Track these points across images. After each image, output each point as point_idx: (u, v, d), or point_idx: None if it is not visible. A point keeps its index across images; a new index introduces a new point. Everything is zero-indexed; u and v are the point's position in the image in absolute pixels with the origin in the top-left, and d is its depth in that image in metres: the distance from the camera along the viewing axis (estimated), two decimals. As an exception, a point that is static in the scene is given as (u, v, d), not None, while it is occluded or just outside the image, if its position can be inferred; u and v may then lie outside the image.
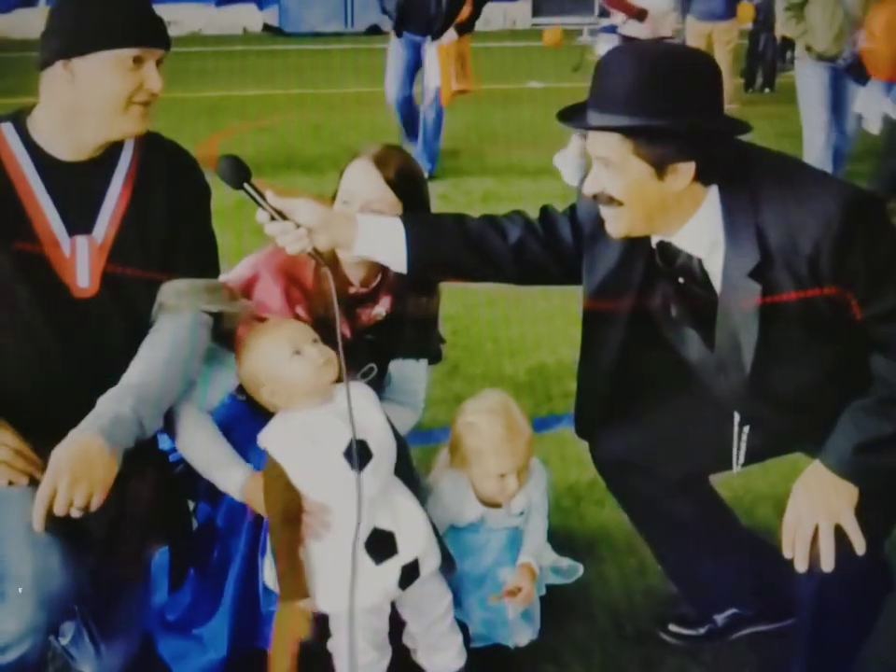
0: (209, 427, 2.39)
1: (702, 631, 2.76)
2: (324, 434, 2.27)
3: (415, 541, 2.34)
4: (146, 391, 2.20)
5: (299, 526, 2.27)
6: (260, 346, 2.34)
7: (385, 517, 2.31)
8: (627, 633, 2.80)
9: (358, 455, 2.24)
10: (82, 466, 2.05)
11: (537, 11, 26.06)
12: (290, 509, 2.27)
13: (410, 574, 2.33)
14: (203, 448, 2.37)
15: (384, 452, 2.32)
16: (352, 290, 2.55)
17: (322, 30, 23.33)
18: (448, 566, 2.47)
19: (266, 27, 24.42)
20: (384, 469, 2.32)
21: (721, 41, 12.03)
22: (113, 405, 2.16)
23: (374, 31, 23.93)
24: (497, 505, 2.62)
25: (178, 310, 2.30)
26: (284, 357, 2.30)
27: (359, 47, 20.89)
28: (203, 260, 2.40)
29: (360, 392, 2.36)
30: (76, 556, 2.08)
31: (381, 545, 2.29)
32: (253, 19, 24.62)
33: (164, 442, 2.49)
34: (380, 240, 2.29)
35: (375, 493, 2.28)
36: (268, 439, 2.31)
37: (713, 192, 2.11)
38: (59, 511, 2.03)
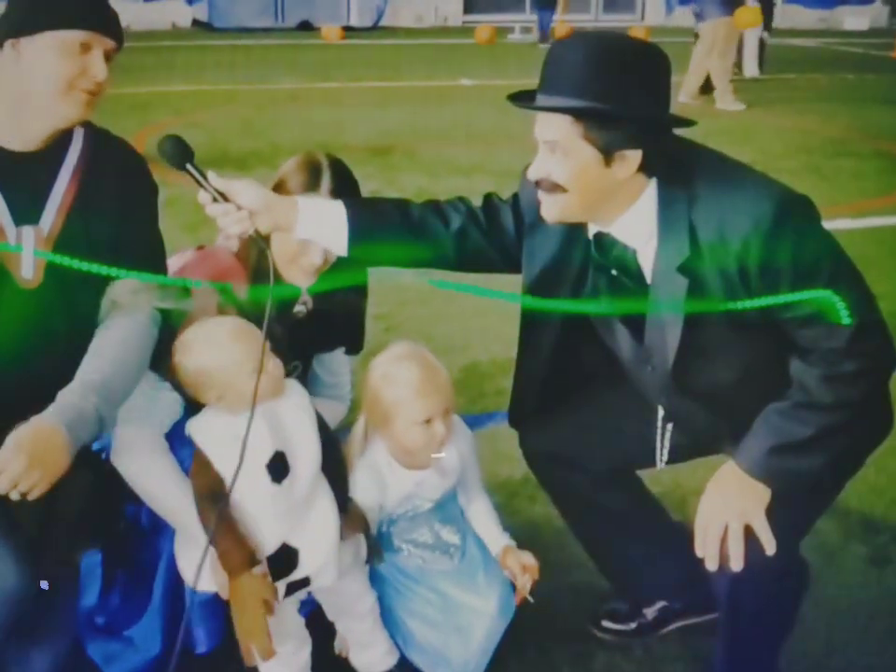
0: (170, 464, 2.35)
1: (632, 626, 2.79)
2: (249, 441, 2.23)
3: (316, 558, 2.33)
4: (107, 389, 2.17)
5: (228, 502, 2.24)
6: (221, 355, 2.28)
7: (295, 530, 2.30)
8: (559, 629, 2.81)
9: (278, 468, 2.25)
10: (40, 452, 2.01)
11: (468, 8, 26.12)
12: (218, 488, 2.24)
13: (298, 584, 2.35)
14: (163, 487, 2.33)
15: (305, 465, 2.31)
16: None
17: (252, 25, 23.19)
18: (375, 557, 2.48)
19: (195, 22, 24.21)
20: (302, 483, 2.30)
21: (705, 40, 12.60)
22: (77, 400, 2.12)
23: (305, 26, 23.89)
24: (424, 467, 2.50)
25: (132, 307, 2.28)
26: (245, 372, 2.25)
27: (290, 42, 20.83)
28: (151, 258, 2.37)
29: (293, 396, 2.37)
30: (26, 558, 2.05)
31: (285, 562, 2.30)
32: (182, 14, 24.40)
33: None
34: (321, 223, 2.27)
35: (289, 506, 2.28)
36: (196, 429, 2.30)
37: (652, 185, 2.13)
38: (1, 489, 1.98)
